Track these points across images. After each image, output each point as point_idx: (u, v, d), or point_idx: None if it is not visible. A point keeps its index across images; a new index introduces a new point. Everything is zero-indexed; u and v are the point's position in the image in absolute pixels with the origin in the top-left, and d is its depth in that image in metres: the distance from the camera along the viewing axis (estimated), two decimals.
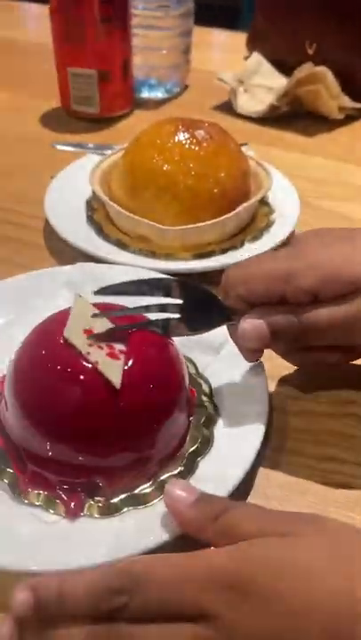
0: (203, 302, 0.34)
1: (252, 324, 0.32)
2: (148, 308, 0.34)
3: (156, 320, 0.33)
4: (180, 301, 0.34)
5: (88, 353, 0.30)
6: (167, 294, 0.34)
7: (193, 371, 0.38)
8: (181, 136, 0.49)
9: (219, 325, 0.34)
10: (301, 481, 0.35)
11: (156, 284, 0.34)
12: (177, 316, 0.34)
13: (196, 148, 0.49)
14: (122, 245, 0.49)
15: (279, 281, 0.32)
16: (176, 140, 0.49)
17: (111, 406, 0.30)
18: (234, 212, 0.48)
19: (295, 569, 0.24)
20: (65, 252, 0.51)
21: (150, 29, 0.74)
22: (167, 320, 0.34)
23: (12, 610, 0.24)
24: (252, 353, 0.34)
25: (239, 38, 0.95)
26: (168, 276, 0.33)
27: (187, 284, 0.34)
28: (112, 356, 0.31)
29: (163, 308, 0.34)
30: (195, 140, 0.49)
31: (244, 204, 0.48)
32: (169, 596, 0.24)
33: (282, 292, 0.32)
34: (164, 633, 0.24)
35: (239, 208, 0.48)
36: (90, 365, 0.30)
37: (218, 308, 0.34)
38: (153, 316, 0.33)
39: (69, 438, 0.30)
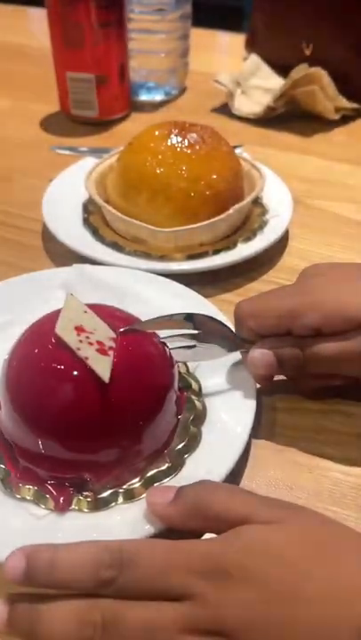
0: (218, 332, 0.37)
1: (260, 353, 0.36)
2: (169, 337, 0.36)
3: (176, 347, 0.37)
4: (196, 332, 0.37)
5: (78, 349, 0.31)
6: (189, 324, 0.37)
7: (183, 370, 0.39)
8: (174, 139, 0.50)
9: (230, 353, 0.38)
10: (289, 476, 0.36)
11: (181, 317, 0.37)
12: (193, 343, 0.37)
13: (189, 151, 0.49)
14: (117, 247, 0.50)
15: (286, 317, 0.35)
16: (169, 143, 0.50)
17: (100, 402, 0.31)
18: (225, 213, 0.48)
19: (282, 555, 0.25)
20: (62, 254, 0.52)
21: (148, 33, 0.74)
22: (185, 347, 0.37)
23: (4, 574, 0.25)
24: (262, 377, 0.37)
25: (238, 40, 0.96)
26: (191, 312, 0.37)
27: (205, 317, 0.37)
28: (102, 352, 0.32)
29: (181, 336, 0.37)
30: (187, 143, 0.50)
31: (236, 206, 0.49)
32: (156, 575, 0.25)
33: (288, 326, 0.35)
34: (148, 610, 0.24)
35: (230, 209, 0.49)
36: (80, 361, 0.31)
37: (231, 338, 0.37)
38: (173, 344, 0.37)
39: (58, 433, 0.31)
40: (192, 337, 0.37)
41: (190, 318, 0.37)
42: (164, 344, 0.35)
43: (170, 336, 0.36)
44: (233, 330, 0.38)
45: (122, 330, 0.33)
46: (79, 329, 0.32)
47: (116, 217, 0.50)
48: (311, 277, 0.37)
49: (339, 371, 0.36)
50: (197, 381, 0.39)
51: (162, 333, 0.36)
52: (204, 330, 0.37)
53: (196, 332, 0.37)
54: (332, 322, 0.34)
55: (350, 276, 0.36)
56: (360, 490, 0.35)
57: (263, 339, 0.36)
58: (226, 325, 0.38)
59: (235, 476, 0.35)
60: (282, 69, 0.80)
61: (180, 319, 0.37)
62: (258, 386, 0.38)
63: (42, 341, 0.33)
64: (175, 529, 0.29)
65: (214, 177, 0.49)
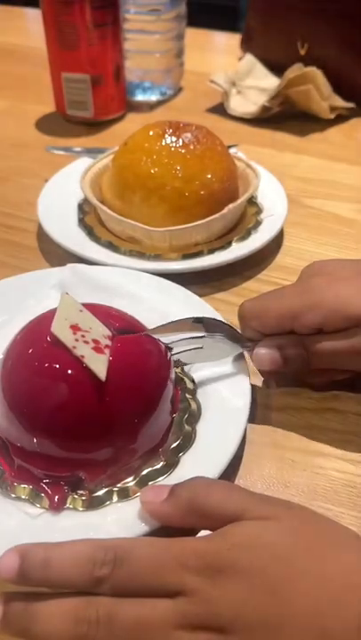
0: (224, 333, 0.38)
1: (265, 351, 0.37)
2: (177, 341, 0.37)
3: (184, 350, 0.38)
4: (202, 334, 0.38)
5: (74, 347, 0.31)
6: (196, 327, 0.38)
7: (178, 369, 0.39)
8: (169, 139, 0.50)
9: (235, 352, 0.39)
10: (284, 474, 0.36)
11: (187, 321, 0.38)
12: (200, 345, 0.38)
13: (183, 151, 0.49)
14: (112, 247, 0.50)
15: (287, 318, 0.36)
16: (163, 143, 0.50)
17: (96, 400, 0.31)
18: (220, 212, 0.49)
19: (275, 551, 0.25)
20: (57, 254, 0.52)
21: (143, 33, 0.75)
22: (192, 350, 0.38)
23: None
24: (268, 373, 0.38)
25: (234, 40, 0.96)
26: (197, 316, 0.38)
27: (210, 319, 0.39)
28: (98, 350, 0.32)
29: (188, 340, 0.38)
30: (182, 143, 0.50)
31: (230, 205, 0.49)
32: (150, 572, 0.25)
33: (290, 326, 0.36)
34: (143, 606, 0.25)
35: (225, 209, 0.49)
36: (76, 360, 0.31)
37: (236, 338, 0.38)
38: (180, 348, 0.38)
39: (54, 432, 0.31)
40: (198, 339, 0.38)
41: (196, 321, 0.38)
42: (164, 344, 0.36)
43: (177, 340, 0.37)
44: (238, 330, 0.39)
45: (132, 335, 0.34)
46: (75, 328, 0.32)
47: (111, 217, 0.50)
48: (312, 277, 0.38)
49: (343, 366, 0.37)
50: (192, 380, 0.39)
51: (169, 338, 0.37)
52: (210, 332, 0.38)
53: (202, 334, 0.38)
54: (333, 321, 0.35)
55: (350, 274, 0.37)
56: (354, 487, 0.35)
57: (267, 337, 0.37)
58: (231, 326, 0.38)
59: (229, 474, 0.35)
60: (277, 69, 0.80)
61: (187, 323, 0.38)
62: (253, 384, 0.38)
63: (38, 340, 0.33)
64: (170, 527, 0.29)
65: (209, 176, 0.50)
